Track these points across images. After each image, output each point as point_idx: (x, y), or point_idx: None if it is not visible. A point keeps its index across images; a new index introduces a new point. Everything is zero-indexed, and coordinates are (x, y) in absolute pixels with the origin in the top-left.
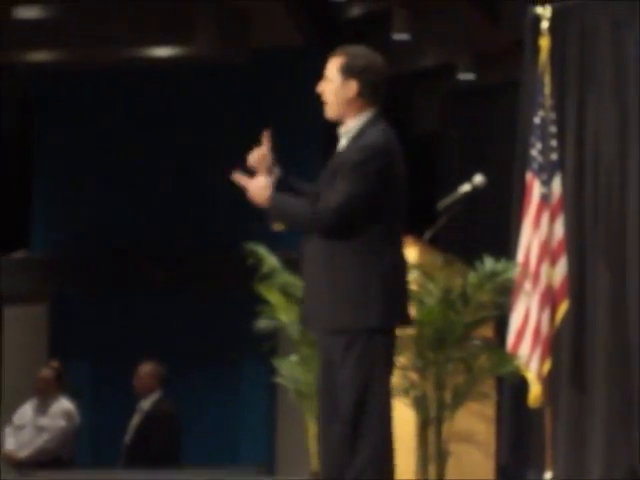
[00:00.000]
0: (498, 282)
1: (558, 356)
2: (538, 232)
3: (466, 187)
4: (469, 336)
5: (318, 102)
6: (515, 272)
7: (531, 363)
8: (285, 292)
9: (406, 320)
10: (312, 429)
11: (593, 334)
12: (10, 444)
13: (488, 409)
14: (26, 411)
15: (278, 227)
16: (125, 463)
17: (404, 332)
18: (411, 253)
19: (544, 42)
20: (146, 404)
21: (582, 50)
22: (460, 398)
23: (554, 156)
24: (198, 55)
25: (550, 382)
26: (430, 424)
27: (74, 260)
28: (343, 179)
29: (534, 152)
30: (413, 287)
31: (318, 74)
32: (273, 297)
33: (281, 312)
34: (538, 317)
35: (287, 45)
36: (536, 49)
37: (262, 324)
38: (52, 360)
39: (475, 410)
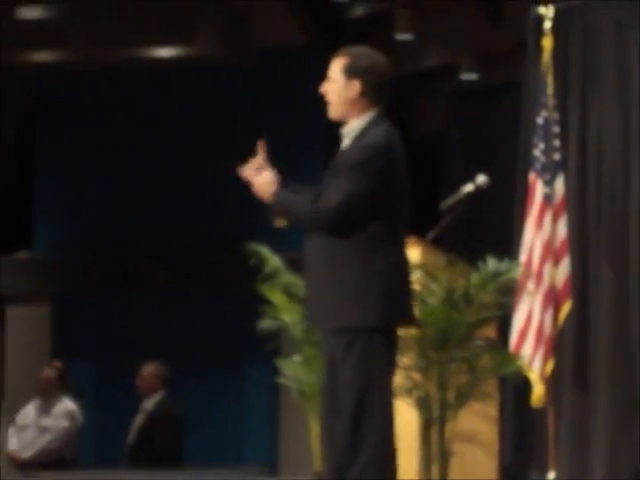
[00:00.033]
0: (501, 282)
1: (561, 356)
2: (541, 232)
3: (469, 187)
4: (472, 336)
5: (321, 102)
6: (518, 272)
7: (534, 363)
8: (288, 292)
9: (410, 320)
10: (315, 429)
11: (596, 334)
12: (13, 444)
13: (491, 409)
14: (29, 411)
15: (280, 224)
16: (128, 463)
17: (407, 332)
18: (414, 253)
19: (547, 42)
20: (149, 404)
21: (585, 50)
22: (463, 398)
23: (557, 156)
24: (200, 55)
25: (553, 382)
26: (433, 424)
27: (76, 260)
28: (344, 178)
29: (537, 152)
30: (416, 287)
31: (321, 74)
32: (276, 297)
33: (284, 312)
34: (541, 317)
35: (290, 45)
36: (539, 49)
37: (265, 324)
38: (55, 360)
39: (478, 410)
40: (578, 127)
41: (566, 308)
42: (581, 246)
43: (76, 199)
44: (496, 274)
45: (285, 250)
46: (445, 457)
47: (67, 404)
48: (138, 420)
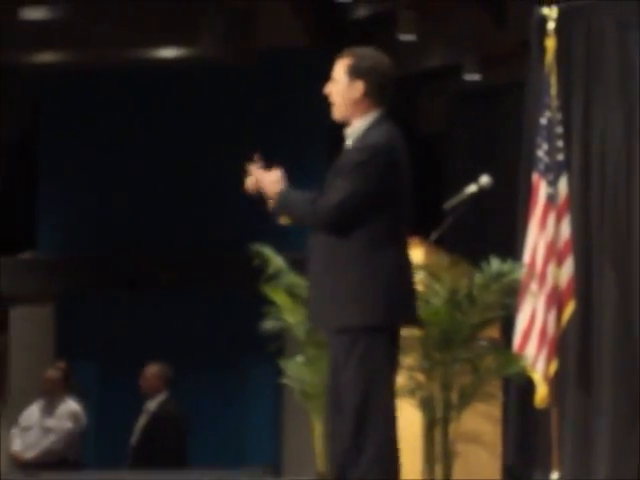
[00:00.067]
0: (504, 283)
1: (564, 357)
2: (544, 233)
3: (472, 188)
4: (475, 337)
5: (324, 103)
6: (521, 273)
7: (537, 364)
8: (291, 293)
9: (412, 320)
10: (318, 430)
11: (600, 335)
12: (17, 445)
13: (494, 410)
14: (32, 412)
15: (284, 221)
16: (131, 464)
17: (410, 333)
18: (417, 253)
19: (550, 43)
20: (152, 405)
21: (588, 51)
22: (466, 399)
23: (560, 156)
24: (203, 56)
25: (556, 383)
26: (436, 425)
27: (80, 261)
28: (345, 178)
29: (540, 153)
30: (419, 288)
31: (324, 75)
32: (279, 298)
33: (287, 313)
34: (544, 318)
35: (292, 46)
36: (542, 50)
37: (268, 325)
38: (58, 361)
39: (481, 411)
40: (581, 127)
41: (570, 309)
42: (585, 246)
43: (79, 200)
44: (499, 275)
45: (288, 251)
46: (449, 457)
47: (71, 405)
48: (141, 421)
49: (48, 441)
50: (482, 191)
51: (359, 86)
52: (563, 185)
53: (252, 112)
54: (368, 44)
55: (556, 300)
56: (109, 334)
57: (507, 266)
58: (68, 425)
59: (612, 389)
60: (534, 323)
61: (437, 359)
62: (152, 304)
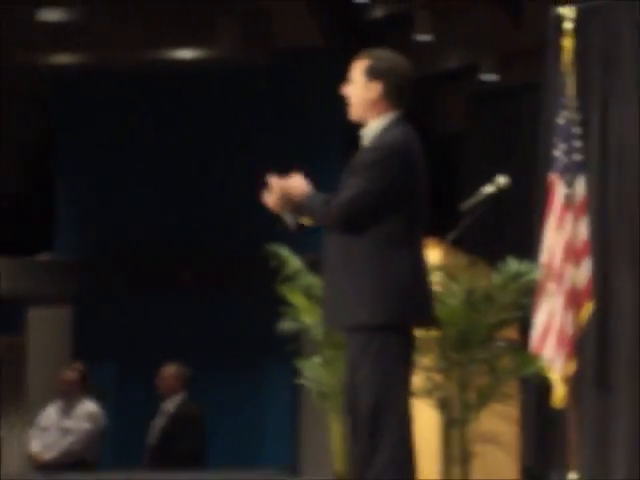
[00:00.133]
0: (522, 283)
1: (582, 357)
2: (562, 233)
3: (489, 188)
4: (493, 337)
5: (341, 103)
6: (539, 273)
7: (555, 364)
8: (308, 294)
9: (427, 320)
10: (335, 430)
11: (617, 334)
12: (35, 446)
13: (512, 410)
14: (50, 413)
15: (294, 227)
16: (150, 464)
17: (427, 333)
18: (435, 254)
19: (567, 42)
20: (170, 406)
21: (605, 50)
22: (484, 399)
23: (578, 157)
24: (220, 57)
25: (574, 383)
26: (454, 425)
27: (97, 262)
28: (358, 176)
29: (558, 153)
30: (437, 288)
31: (340, 75)
32: (296, 299)
33: (304, 314)
34: (562, 318)
35: (309, 46)
36: (559, 50)
37: (285, 326)
38: (76, 362)
39: (499, 411)
40: (599, 127)
41: (587, 309)
42: (602, 246)
43: (96, 201)
44: (517, 275)
45: (305, 252)
46: (466, 458)
47: (89, 406)
48: (159, 421)
49: (66, 442)
50: (499, 191)
51: (376, 87)
52: (581, 185)
53: (268, 112)
54: (384, 45)
55: (574, 300)
56: (126, 335)
57: (524, 266)
58: (86, 426)
59: (630, 389)
60: (552, 323)
61: (454, 360)
62: (169, 305)
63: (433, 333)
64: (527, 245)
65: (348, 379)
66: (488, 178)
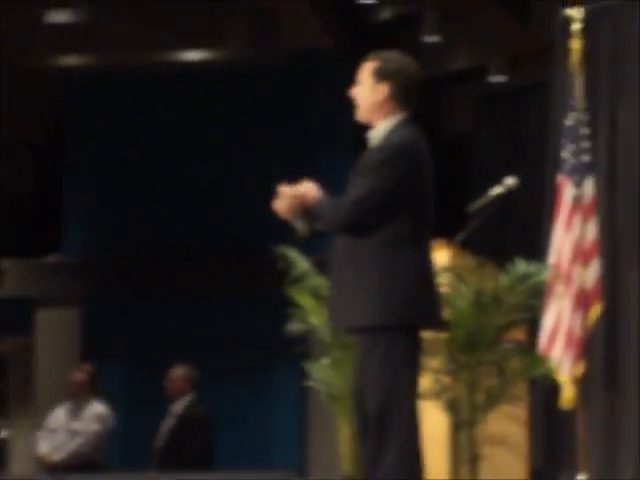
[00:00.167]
0: (530, 284)
1: (591, 358)
2: (570, 234)
3: (498, 189)
4: (501, 339)
5: (349, 104)
6: (547, 274)
7: (564, 365)
8: (317, 295)
9: (434, 321)
10: (344, 432)
11: (626, 335)
12: (44, 447)
13: (520, 411)
14: (59, 415)
15: (302, 234)
16: (158, 466)
17: (436, 335)
18: (443, 255)
19: (575, 44)
20: (178, 407)
21: (613, 51)
22: (492, 401)
23: (586, 158)
24: (228, 58)
25: (583, 384)
26: (462, 427)
27: (106, 263)
28: (365, 176)
29: (566, 154)
30: (445, 289)
31: (348, 76)
32: (304, 300)
33: (312, 315)
34: (571, 319)
35: (318, 47)
36: (567, 51)
37: (294, 327)
38: (84, 363)
39: (507, 413)
40: (607, 129)
41: (596, 310)
42: (611, 247)
43: (105, 202)
44: (525, 276)
45: (314, 253)
46: (475, 460)
47: (97, 407)
48: (167, 423)
49: (75, 443)
50: (508, 193)
51: (384, 88)
52: (589, 186)
53: (275, 113)
54: (392, 46)
55: (582, 301)
56: (135, 336)
57: (533, 267)
58: (95, 427)
59: (638, 389)
60: (560, 324)
61: (462, 361)
62: (177, 306)
63: (441, 335)
64: (535, 246)
65: (356, 380)
66: (496, 179)
